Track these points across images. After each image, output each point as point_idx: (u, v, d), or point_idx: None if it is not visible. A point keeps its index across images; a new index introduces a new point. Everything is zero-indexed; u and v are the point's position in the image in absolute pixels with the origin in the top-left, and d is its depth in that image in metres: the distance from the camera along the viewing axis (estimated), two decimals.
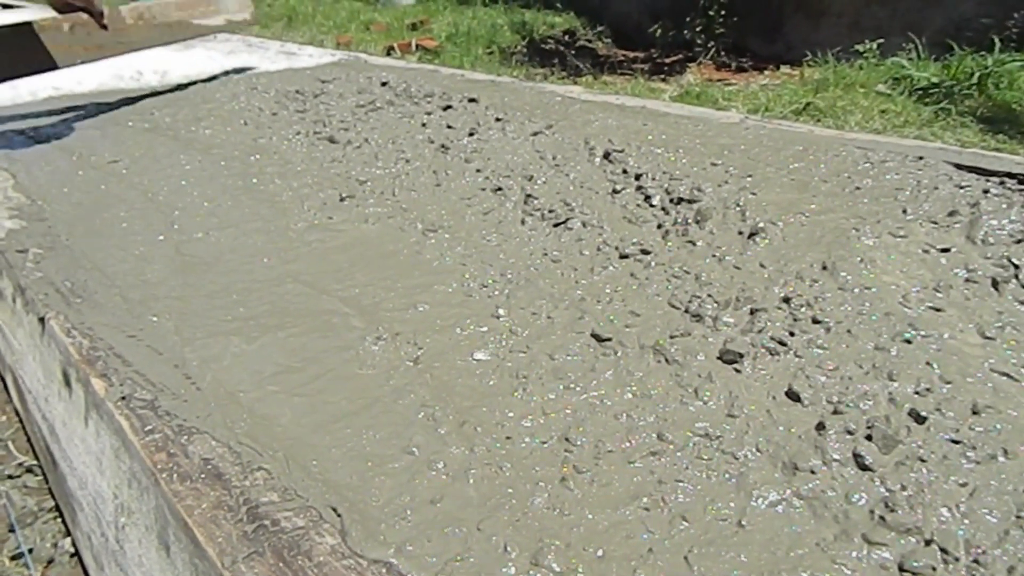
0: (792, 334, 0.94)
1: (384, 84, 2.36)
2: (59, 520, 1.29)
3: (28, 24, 2.15)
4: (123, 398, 0.87)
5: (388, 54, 4.82)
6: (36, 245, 1.33)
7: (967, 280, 1.04)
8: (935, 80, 3.17)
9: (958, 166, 1.38)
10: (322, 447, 0.83)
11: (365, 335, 1.03)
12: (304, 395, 0.92)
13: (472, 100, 2.05)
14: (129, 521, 0.82)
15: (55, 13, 2.17)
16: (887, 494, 0.71)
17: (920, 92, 3.18)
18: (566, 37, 5.08)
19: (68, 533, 1.25)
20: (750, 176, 1.39)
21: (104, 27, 2.26)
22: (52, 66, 2.22)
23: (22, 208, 1.53)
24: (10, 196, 1.60)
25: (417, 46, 5.00)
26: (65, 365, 1.00)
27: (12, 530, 1.28)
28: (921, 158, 1.41)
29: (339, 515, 0.72)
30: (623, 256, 1.20)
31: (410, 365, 0.97)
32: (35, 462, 1.42)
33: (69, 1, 2.12)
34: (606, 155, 1.55)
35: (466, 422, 0.85)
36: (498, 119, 1.86)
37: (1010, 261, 1.06)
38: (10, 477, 1.40)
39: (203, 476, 0.75)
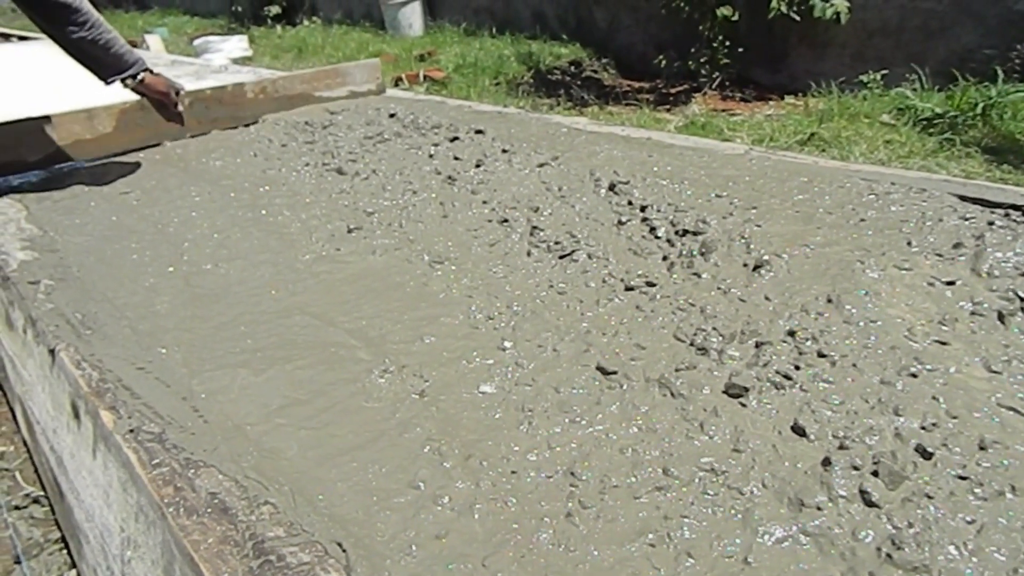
0: (797, 368, 0.94)
1: (392, 115, 2.39)
2: (65, 552, 1.29)
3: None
4: (131, 431, 0.88)
5: (396, 85, 4.88)
6: (48, 276, 1.34)
7: (972, 313, 1.04)
8: (939, 111, 3.19)
9: (962, 198, 1.38)
10: (328, 481, 0.83)
11: (372, 367, 1.03)
12: (311, 428, 0.92)
13: (479, 131, 2.07)
14: (135, 555, 0.82)
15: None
16: (894, 531, 0.71)
17: (924, 123, 3.20)
18: (572, 68, 5.13)
19: (74, 565, 1.24)
20: (755, 208, 1.40)
21: (180, 122, 2.11)
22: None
23: (34, 239, 1.55)
24: (23, 227, 1.62)
25: (425, 77, 5.06)
26: (74, 397, 1.01)
27: (18, 561, 1.28)
28: (925, 190, 1.42)
29: (344, 550, 0.72)
30: (629, 288, 1.20)
31: (416, 398, 0.97)
32: (42, 493, 1.42)
33: (147, 94, 1.98)
34: (611, 187, 1.57)
35: (472, 456, 0.86)
36: (504, 150, 1.88)
37: (1016, 294, 1.07)
38: (17, 508, 1.41)
39: (210, 510, 0.76)
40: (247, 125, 2.44)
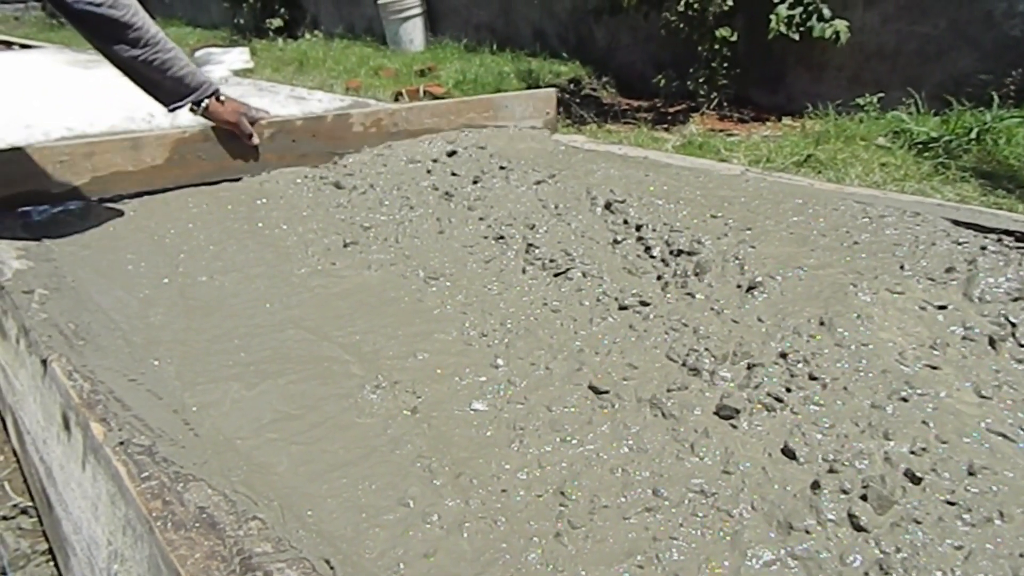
0: (789, 390, 0.95)
1: None
2: (52, 564, 1.28)
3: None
4: (121, 443, 0.87)
5: (396, 99, 4.90)
6: (42, 286, 1.34)
7: (964, 338, 1.05)
8: (934, 135, 3.21)
9: (956, 222, 1.39)
10: (318, 497, 0.83)
11: (364, 383, 1.03)
12: (302, 443, 0.92)
13: (479, 147, 2.08)
14: (122, 569, 0.81)
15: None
16: (882, 556, 0.71)
17: (919, 146, 3.21)
18: (572, 86, 5.16)
19: None
20: (749, 229, 1.41)
21: (255, 148, 1.91)
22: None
23: (29, 248, 1.55)
24: (19, 235, 1.62)
25: (425, 92, 5.08)
26: (65, 408, 1.01)
27: (4, 572, 1.27)
28: (919, 214, 1.43)
29: (332, 567, 0.71)
30: (622, 307, 1.21)
31: (408, 414, 0.97)
32: (31, 504, 1.41)
33: (215, 122, 1.83)
34: (608, 205, 1.57)
35: (462, 473, 0.86)
36: (502, 167, 1.88)
37: (1007, 319, 1.07)
38: (4, 518, 1.40)
39: (198, 525, 0.75)
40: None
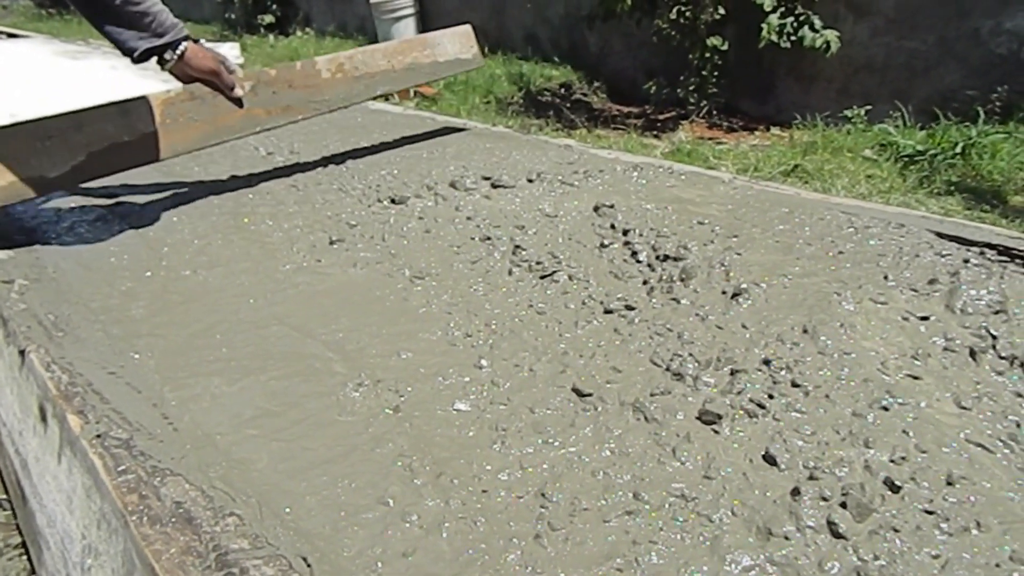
0: (771, 397, 0.95)
1: None
2: (25, 557, 1.26)
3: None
4: (98, 436, 0.86)
5: (386, 99, 4.89)
6: (23, 276, 1.32)
7: (945, 349, 1.05)
8: (920, 148, 3.24)
9: (939, 235, 1.40)
10: (296, 494, 0.82)
11: (347, 381, 1.03)
12: (282, 440, 0.92)
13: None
14: (95, 563, 0.80)
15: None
16: (860, 563, 0.71)
17: (905, 159, 3.25)
18: (562, 90, 5.17)
19: (33, 571, 1.22)
20: (736, 236, 1.42)
21: (239, 104, 1.74)
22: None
23: (11, 237, 1.53)
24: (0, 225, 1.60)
25: (415, 93, 5.07)
26: (42, 400, 0.99)
27: None
28: (903, 225, 1.44)
29: (309, 565, 0.71)
30: (607, 311, 1.21)
31: (390, 413, 0.97)
32: (5, 496, 1.39)
33: (192, 74, 1.58)
34: (595, 209, 1.57)
35: (443, 473, 0.85)
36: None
37: (988, 331, 1.08)
38: None
39: (174, 520, 0.74)
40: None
